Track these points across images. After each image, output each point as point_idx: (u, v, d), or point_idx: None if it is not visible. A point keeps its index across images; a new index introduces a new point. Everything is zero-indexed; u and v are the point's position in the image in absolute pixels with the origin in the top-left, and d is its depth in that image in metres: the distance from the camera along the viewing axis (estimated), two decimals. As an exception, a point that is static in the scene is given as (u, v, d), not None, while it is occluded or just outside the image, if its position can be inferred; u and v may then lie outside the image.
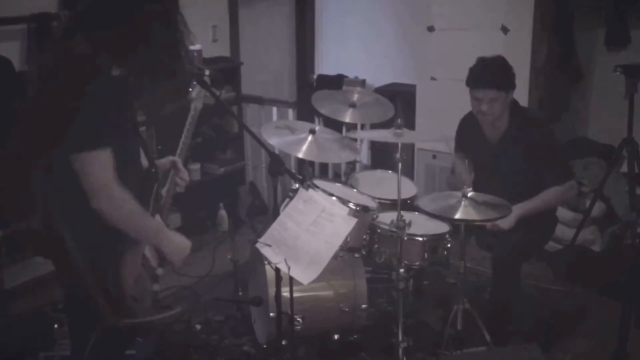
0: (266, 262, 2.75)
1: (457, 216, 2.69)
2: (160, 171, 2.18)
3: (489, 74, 2.96)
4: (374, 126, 3.91)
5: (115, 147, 1.84)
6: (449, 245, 2.94)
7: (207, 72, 2.26)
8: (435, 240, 2.92)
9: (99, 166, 1.81)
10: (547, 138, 3.06)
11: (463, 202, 2.73)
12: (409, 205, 3.20)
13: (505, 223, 2.87)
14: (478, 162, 2.97)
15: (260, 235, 2.27)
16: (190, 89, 2.32)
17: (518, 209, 2.90)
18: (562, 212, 3.79)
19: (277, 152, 3.41)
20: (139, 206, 1.90)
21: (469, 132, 3.20)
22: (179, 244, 2.04)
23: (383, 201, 3.13)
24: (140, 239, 1.97)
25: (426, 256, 2.91)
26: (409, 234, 2.83)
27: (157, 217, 2.10)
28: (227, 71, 4.65)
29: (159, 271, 2.08)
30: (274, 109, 4.88)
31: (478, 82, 2.97)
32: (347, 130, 3.75)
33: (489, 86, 2.94)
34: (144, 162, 2.11)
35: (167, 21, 1.86)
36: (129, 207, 1.87)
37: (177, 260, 2.05)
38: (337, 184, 3.25)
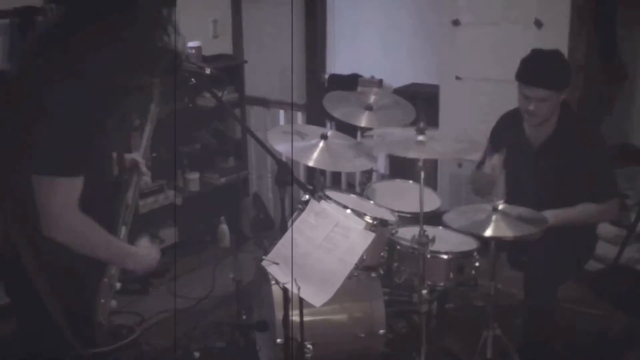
0: (273, 282, 2.77)
1: (488, 233, 2.68)
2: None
3: (542, 71, 2.95)
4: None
5: (88, 173, 1.84)
6: (477, 264, 2.93)
7: (207, 71, 2.27)
8: (461, 258, 2.92)
9: (62, 195, 1.80)
10: (597, 148, 3.03)
11: (494, 217, 2.73)
12: (432, 218, 3.19)
13: None
14: (514, 165, 2.96)
15: (266, 252, 2.27)
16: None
17: (550, 216, 2.89)
18: (604, 228, 3.76)
19: (284, 159, 3.41)
20: (101, 231, 1.91)
21: (508, 131, 3.18)
22: (144, 261, 2.08)
23: (403, 214, 3.13)
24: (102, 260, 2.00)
25: (451, 276, 2.91)
26: (432, 251, 2.82)
27: (123, 229, 2.13)
28: (230, 70, 4.67)
29: (117, 285, 2.10)
30: (281, 112, 4.89)
31: (528, 79, 2.95)
32: (362, 135, 3.75)
33: (540, 85, 2.92)
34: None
35: (150, 23, 1.88)
36: (89, 235, 1.89)
37: (143, 273, 2.10)
38: (352, 195, 3.26)
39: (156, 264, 2.12)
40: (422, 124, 2.83)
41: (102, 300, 2.00)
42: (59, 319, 1.89)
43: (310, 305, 2.15)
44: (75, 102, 1.77)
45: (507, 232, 2.70)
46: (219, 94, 2.33)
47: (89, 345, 1.94)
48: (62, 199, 1.81)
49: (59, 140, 1.78)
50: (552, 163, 3.02)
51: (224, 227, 4.67)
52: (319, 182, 3.67)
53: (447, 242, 2.93)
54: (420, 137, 2.80)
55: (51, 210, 1.81)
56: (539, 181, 3.05)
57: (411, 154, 2.80)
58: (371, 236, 2.24)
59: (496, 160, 2.99)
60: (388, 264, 2.97)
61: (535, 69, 2.96)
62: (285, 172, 2.27)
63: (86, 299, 1.96)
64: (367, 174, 4.35)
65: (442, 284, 2.92)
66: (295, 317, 2.42)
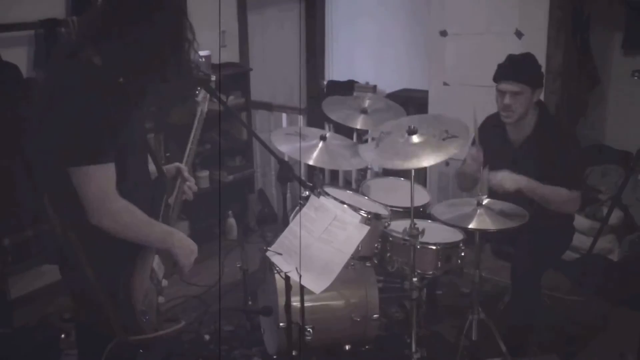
0: (276, 271, 2.77)
1: (472, 225, 2.68)
2: (168, 179, 2.17)
3: (514, 67, 3.00)
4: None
5: (119, 161, 1.82)
6: (462, 254, 2.93)
7: (213, 78, 2.26)
8: (448, 249, 2.91)
9: (98, 181, 1.78)
10: (570, 147, 3.05)
11: (478, 211, 2.74)
12: (421, 212, 3.19)
13: (509, 182, 2.87)
14: (497, 164, 2.96)
15: (270, 243, 2.27)
16: (197, 92, 2.32)
17: (525, 180, 2.88)
18: (579, 220, 3.76)
19: (286, 158, 3.40)
20: (142, 215, 1.88)
21: (491, 131, 3.18)
22: (188, 244, 2.03)
23: (395, 209, 3.13)
24: (149, 246, 1.97)
25: (439, 265, 2.90)
26: (421, 242, 2.82)
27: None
28: (236, 77, 4.67)
29: (164, 282, 2.07)
30: (284, 115, 4.89)
31: (502, 75, 3.00)
32: (358, 136, 3.74)
33: (512, 78, 2.95)
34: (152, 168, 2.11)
35: (176, 29, 1.87)
36: (131, 219, 1.86)
37: (187, 263, 2.02)
38: (348, 192, 3.25)
39: (196, 251, 2.04)
40: (412, 126, 2.82)
41: (144, 292, 1.93)
42: (103, 304, 1.86)
43: (310, 292, 2.16)
44: (104, 88, 1.76)
45: (490, 226, 2.70)
46: (225, 99, 2.31)
47: (133, 333, 1.90)
48: (99, 186, 1.78)
49: (86, 130, 1.75)
50: (530, 161, 3.02)
51: (232, 221, 4.67)
52: (318, 180, 3.68)
53: (435, 234, 2.92)
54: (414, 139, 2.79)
55: (91, 199, 1.78)
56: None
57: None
58: (366, 229, 2.24)
59: (474, 151, 2.99)
60: (381, 254, 2.96)
61: (508, 66, 3.01)
62: (286, 170, 2.27)
63: (124, 288, 1.90)
64: (363, 172, 4.34)
65: (431, 272, 2.92)
66: (296, 302, 2.43)
